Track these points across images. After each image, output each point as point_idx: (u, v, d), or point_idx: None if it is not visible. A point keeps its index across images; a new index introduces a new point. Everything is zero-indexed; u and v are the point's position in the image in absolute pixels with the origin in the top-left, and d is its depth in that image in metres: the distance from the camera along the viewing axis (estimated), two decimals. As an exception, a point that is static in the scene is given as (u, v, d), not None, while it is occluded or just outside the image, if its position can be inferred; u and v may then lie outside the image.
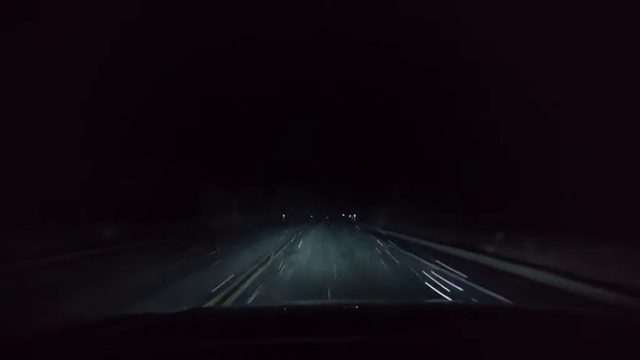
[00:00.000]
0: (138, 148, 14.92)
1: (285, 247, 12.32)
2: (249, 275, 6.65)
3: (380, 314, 1.66)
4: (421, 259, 9.18)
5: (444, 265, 8.09)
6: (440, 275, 6.88)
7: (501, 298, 5.08)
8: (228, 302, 4.79)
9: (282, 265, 7.94)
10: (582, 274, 5.79)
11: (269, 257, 9.23)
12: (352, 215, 59.58)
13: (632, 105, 6.88)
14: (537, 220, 7.86)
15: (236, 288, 5.57)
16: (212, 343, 1.14)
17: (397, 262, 8.86)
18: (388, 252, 11.02)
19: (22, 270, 7.19)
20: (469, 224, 11.41)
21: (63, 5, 10.56)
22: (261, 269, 7.40)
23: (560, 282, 5.95)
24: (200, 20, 15.18)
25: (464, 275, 6.79)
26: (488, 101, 11.42)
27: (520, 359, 1.03)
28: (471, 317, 1.62)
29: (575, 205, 7.14)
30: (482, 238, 9.62)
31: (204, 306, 4.18)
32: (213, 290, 5.32)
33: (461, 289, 5.76)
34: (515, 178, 9.67)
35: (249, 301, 4.83)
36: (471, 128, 12.54)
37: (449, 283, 6.19)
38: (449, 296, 5.29)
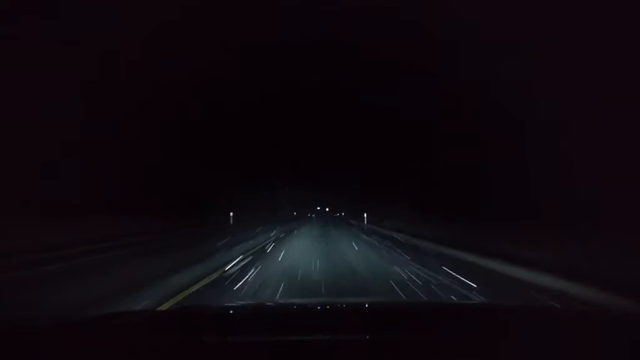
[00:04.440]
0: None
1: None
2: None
3: (369, 313, 1.66)
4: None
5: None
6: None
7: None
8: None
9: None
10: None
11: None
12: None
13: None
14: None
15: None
16: (204, 338, 1.15)
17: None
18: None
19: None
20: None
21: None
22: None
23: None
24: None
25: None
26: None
27: (521, 357, 1.01)
28: (464, 316, 1.63)
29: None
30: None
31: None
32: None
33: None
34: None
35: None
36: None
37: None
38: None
